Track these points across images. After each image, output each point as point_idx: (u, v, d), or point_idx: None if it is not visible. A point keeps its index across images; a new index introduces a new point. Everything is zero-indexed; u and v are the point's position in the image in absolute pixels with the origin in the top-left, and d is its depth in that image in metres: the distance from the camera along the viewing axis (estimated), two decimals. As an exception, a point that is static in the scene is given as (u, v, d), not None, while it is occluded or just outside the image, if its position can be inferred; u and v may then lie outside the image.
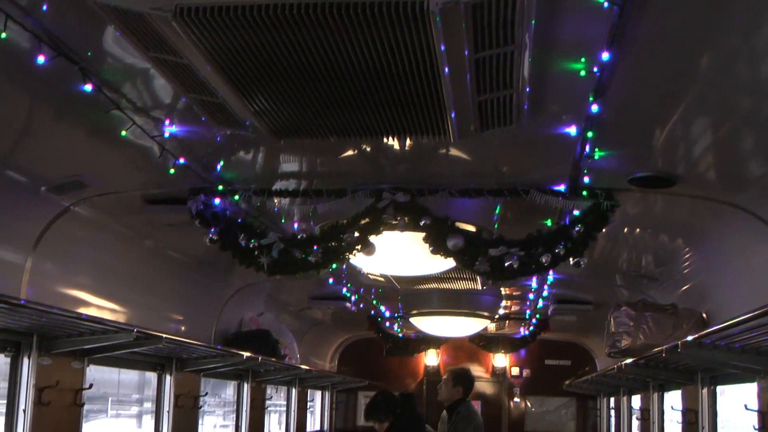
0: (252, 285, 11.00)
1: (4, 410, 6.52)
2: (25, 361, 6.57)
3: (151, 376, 9.49)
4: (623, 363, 8.78)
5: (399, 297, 13.17)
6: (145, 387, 12.58)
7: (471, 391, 9.02)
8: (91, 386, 7.34)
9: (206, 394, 10.75)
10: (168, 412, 9.32)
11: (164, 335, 7.27)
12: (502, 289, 12.39)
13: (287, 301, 13.48)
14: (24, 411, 6.48)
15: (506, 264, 6.49)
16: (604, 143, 5.56)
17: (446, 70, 4.26)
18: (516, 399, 19.20)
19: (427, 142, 5.62)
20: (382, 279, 10.90)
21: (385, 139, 5.61)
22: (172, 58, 4.34)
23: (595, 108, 4.81)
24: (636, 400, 12.44)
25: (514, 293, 12.95)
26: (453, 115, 4.91)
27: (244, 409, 12.28)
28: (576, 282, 11.24)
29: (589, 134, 5.29)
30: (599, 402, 16.88)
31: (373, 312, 14.82)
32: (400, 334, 17.19)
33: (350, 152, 6.13)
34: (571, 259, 6.60)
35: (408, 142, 5.77)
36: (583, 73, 4.45)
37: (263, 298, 12.22)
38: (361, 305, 13.36)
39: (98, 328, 6.63)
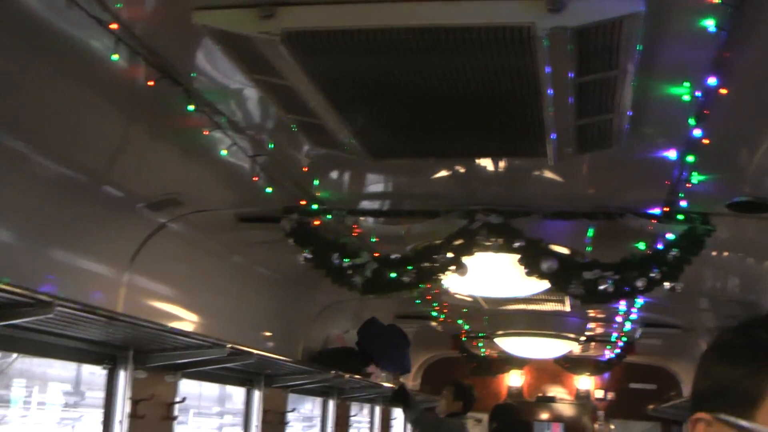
0: (338, 303, 11.04)
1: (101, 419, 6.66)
2: (122, 373, 6.67)
3: (231, 390, 9.53)
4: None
5: (485, 317, 13.11)
6: (226, 401, 12.68)
7: (470, 410, 9.80)
8: (184, 400, 7.44)
9: (293, 410, 10.82)
10: (257, 426, 9.39)
11: (255, 351, 7.34)
12: (588, 311, 12.27)
13: (373, 320, 13.46)
14: (120, 422, 6.59)
15: (600, 288, 6.45)
16: (704, 168, 5.47)
17: (550, 92, 4.25)
18: (600, 422, 18.91)
19: (521, 164, 5.62)
20: (469, 299, 10.87)
21: (478, 161, 5.60)
22: (276, 80, 4.39)
23: (697, 132, 4.75)
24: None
25: (599, 316, 12.80)
26: (554, 137, 4.89)
27: (330, 426, 12.33)
28: (663, 305, 11.06)
29: (689, 158, 5.22)
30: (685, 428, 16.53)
31: (457, 331, 14.77)
32: (484, 354, 17.08)
33: (444, 173, 6.14)
34: (666, 283, 6.52)
35: (502, 164, 5.76)
36: (686, 97, 4.39)
37: (349, 315, 12.25)
38: (447, 324, 13.33)
39: (192, 342, 6.70)
